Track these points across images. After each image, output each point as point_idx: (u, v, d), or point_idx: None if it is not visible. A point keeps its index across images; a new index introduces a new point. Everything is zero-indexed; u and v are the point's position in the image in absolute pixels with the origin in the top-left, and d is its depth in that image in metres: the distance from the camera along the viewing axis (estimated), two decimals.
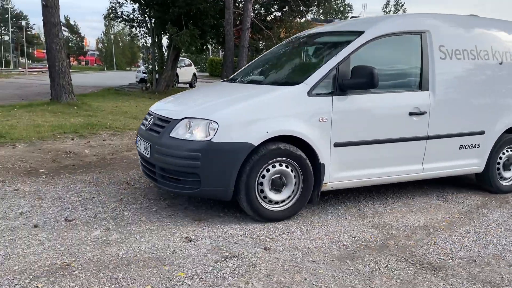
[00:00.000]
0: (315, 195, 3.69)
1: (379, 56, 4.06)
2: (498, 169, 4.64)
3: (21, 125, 7.79)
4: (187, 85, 26.20)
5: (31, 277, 2.53)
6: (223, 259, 2.85)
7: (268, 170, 3.46)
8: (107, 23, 71.05)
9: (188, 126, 3.43)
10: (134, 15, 20.01)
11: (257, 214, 3.47)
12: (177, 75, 22.44)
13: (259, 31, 17.67)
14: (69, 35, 71.67)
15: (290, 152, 3.48)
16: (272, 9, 19.39)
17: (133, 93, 18.16)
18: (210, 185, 3.34)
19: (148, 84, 20.47)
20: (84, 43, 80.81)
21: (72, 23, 72.61)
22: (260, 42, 19.05)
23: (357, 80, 3.57)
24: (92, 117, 9.27)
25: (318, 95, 3.59)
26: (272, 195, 3.50)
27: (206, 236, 3.23)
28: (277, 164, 3.48)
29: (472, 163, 4.42)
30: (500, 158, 4.62)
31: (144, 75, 21.88)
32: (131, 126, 8.53)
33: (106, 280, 2.52)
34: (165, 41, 20.82)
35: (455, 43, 4.24)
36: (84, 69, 71.88)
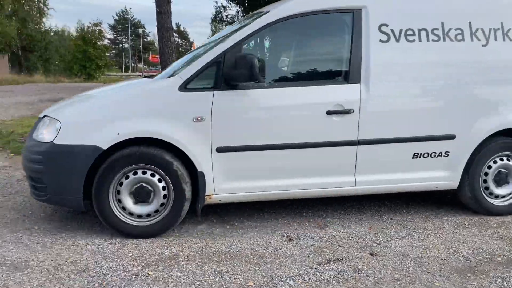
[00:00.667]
0: (198, 209, 3.09)
1: (291, 42, 3.40)
2: (486, 184, 3.48)
3: None
4: None
5: (143, 264, 2.67)
6: (326, 261, 2.72)
7: (127, 177, 2.93)
8: (213, 28, 75.02)
9: (43, 126, 3.07)
10: (238, 18, 20.73)
11: (115, 228, 2.97)
12: None
13: None
14: (179, 40, 77.13)
15: (154, 158, 2.90)
16: None
17: None
18: (56, 193, 2.93)
19: None
20: (192, 48, 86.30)
21: (182, 29, 78.04)
22: None
23: (238, 72, 2.88)
24: None
25: (194, 89, 2.97)
26: (134, 208, 2.96)
27: (308, 237, 3.12)
28: (139, 172, 2.93)
29: (437, 176, 3.35)
30: (489, 168, 3.46)
31: None
32: None
33: (210, 273, 2.56)
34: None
35: (407, 21, 3.22)
36: None
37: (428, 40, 3.24)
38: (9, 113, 11.01)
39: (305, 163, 3.15)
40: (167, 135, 2.89)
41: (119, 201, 2.96)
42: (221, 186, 3.06)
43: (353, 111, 3.09)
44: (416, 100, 3.27)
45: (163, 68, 11.69)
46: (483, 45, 3.31)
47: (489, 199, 3.49)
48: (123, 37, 78.85)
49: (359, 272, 2.58)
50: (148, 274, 2.54)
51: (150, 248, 2.90)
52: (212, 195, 3.07)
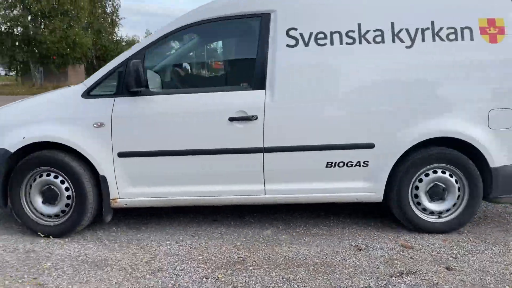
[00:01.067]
0: (104, 212, 3.20)
1: (197, 48, 3.51)
2: (417, 198, 3.18)
3: None
4: None
5: (212, 267, 2.74)
6: (398, 274, 2.62)
7: (35, 180, 3.18)
8: None
9: None
10: None
11: (30, 228, 3.22)
12: None
13: None
14: None
15: (56, 161, 3.09)
16: None
17: None
18: None
19: None
20: None
21: None
22: None
23: (128, 78, 2.95)
24: None
25: (96, 96, 3.12)
26: (43, 208, 3.18)
27: (377, 247, 3.02)
28: (45, 174, 3.16)
29: (357, 187, 3.13)
30: (420, 181, 3.14)
31: None
32: None
33: (278, 280, 2.56)
34: None
35: (318, 24, 3.05)
36: None
37: (341, 43, 3.05)
38: None
39: (210, 170, 3.12)
40: (68, 140, 3.07)
41: (31, 202, 3.20)
42: (125, 191, 3.17)
43: (257, 118, 3.02)
44: (327, 106, 3.09)
45: None
46: (407, 47, 3.04)
47: (420, 214, 3.18)
48: None
49: (435, 287, 2.46)
50: (218, 277, 2.60)
51: (219, 251, 2.97)
52: (117, 199, 3.18)
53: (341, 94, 3.09)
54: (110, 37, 34.94)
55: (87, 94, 3.14)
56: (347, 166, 3.11)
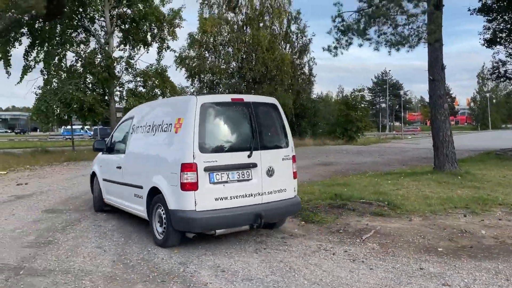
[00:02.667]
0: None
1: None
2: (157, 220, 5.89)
3: (410, 195, 8.31)
4: None
5: None
6: None
7: None
8: (480, 81, 68.35)
9: None
10: None
11: None
12: None
13: None
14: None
15: None
16: None
17: None
18: None
19: None
20: (454, 103, 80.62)
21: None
22: None
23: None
24: (479, 189, 8.78)
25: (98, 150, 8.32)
26: None
27: None
28: None
29: (141, 209, 6.25)
30: (157, 209, 5.76)
31: None
32: None
33: None
34: None
35: (140, 122, 6.81)
36: (454, 128, 70.58)
37: (142, 131, 6.53)
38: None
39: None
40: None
41: None
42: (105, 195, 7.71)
43: (121, 168, 6.95)
44: (137, 162, 6.62)
45: (435, 134, 11.20)
46: (153, 135, 6.12)
47: (158, 230, 5.85)
48: (381, 97, 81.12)
49: None
50: None
51: None
52: (105, 199, 7.72)
53: (140, 157, 6.45)
54: (307, 96, 37.46)
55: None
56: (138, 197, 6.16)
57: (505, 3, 16.94)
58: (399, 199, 7.82)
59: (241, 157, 5.39)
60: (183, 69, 30.34)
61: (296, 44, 37.64)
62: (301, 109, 37.10)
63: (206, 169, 5.12)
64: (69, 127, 28.51)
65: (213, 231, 5.25)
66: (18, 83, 22.70)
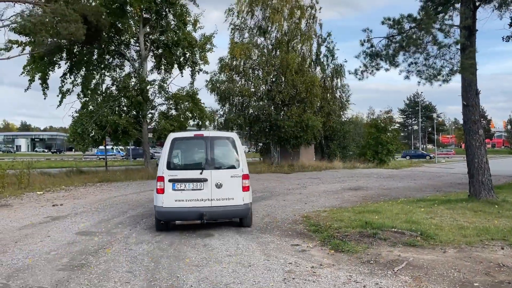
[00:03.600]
0: None
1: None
2: None
3: (445, 225, 8.06)
4: None
5: None
6: None
7: None
8: None
9: None
10: None
11: None
12: None
13: None
14: None
15: None
16: None
17: None
18: None
19: None
20: (490, 126, 78.05)
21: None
22: None
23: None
24: None
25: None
26: None
27: None
28: None
29: None
30: None
31: None
32: None
33: None
34: None
35: None
36: (490, 152, 68.22)
37: None
38: (320, 203, 12.48)
39: None
40: None
41: None
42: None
43: None
44: None
45: (470, 161, 10.85)
46: None
47: None
48: (413, 119, 79.53)
49: None
50: None
51: None
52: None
53: None
54: (338, 119, 37.21)
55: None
56: None
57: None
58: (432, 229, 7.58)
59: (195, 174, 7.88)
60: (214, 92, 30.94)
61: (326, 66, 37.75)
62: (331, 131, 36.84)
63: (170, 180, 7.86)
64: (102, 147, 29.42)
65: (174, 221, 8.40)
66: (58, 106, 23.76)
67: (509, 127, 74.09)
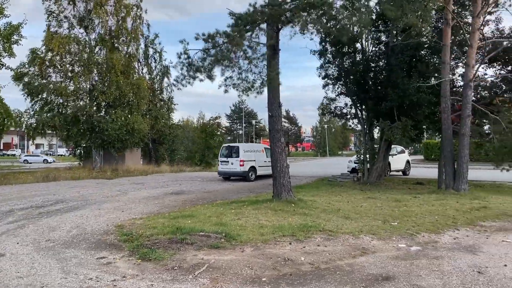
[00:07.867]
0: None
1: None
2: None
3: (248, 225, 8.72)
4: (400, 173, 25.24)
5: None
6: None
7: None
8: (320, 113, 77.43)
9: None
10: (346, 110, 21.16)
11: None
12: (389, 163, 22.01)
13: (483, 116, 16.01)
14: (288, 125, 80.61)
15: None
16: (498, 91, 17.47)
17: (345, 184, 18.52)
18: None
19: (360, 175, 20.67)
20: (300, 131, 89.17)
21: (291, 115, 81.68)
22: (486, 128, 17.16)
23: None
24: (307, 216, 9.67)
25: None
26: None
27: None
28: None
29: None
30: None
31: (356, 165, 22.29)
32: (344, 228, 8.58)
33: None
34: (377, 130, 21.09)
35: None
36: (300, 155, 77.97)
37: None
38: (138, 210, 12.23)
39: None
40: None
41: None
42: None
43: None
44: None
45: (273, 165, 12.24)
46: None
47: None
48: (238, 124, 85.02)
49: None
50: None
51: None
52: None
53: None
54: (166, 122, 37.20)
55: None
56: None
57: (338, 49, 19.68)
58: (237, 230, 8.19)
59: None
60: (20, 86, 27.23)
61: (154, 68, 37.34)
62: (159, 135, 36.59)
63: None
64: None
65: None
66: None
67: (315, 133, 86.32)
